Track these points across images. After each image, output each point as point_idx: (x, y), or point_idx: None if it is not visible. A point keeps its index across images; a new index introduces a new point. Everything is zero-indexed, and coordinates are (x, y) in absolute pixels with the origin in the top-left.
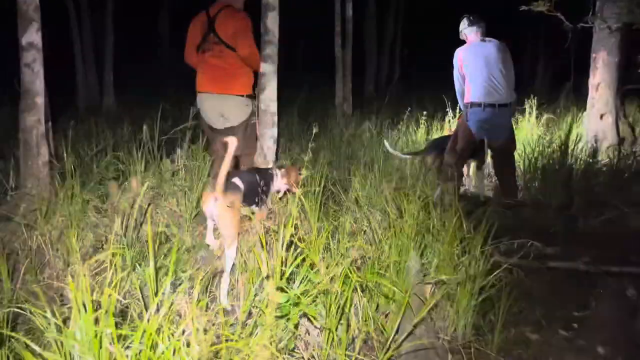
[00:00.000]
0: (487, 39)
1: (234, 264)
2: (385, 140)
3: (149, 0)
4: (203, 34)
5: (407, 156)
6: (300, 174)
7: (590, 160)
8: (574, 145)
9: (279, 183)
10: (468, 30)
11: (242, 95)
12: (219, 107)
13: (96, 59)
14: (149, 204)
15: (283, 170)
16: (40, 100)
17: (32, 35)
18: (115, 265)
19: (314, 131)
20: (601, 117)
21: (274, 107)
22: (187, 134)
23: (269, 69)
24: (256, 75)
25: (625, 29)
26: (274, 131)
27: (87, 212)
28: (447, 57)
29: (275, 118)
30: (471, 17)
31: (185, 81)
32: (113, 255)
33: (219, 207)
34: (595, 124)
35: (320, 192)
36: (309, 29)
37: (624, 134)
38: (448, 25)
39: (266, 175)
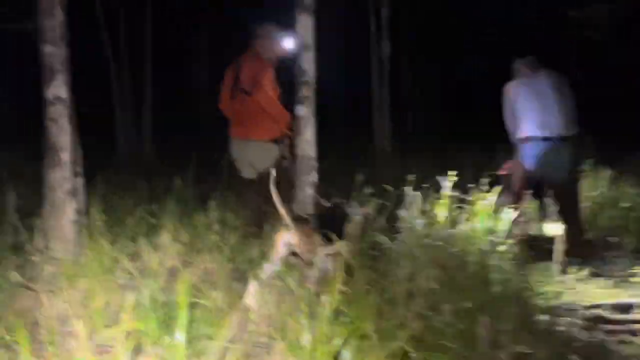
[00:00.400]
0: (538, 70)
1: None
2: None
3: (187, 47)
4: (233, 80)
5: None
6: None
7: None
8: None
9: None
10: (517, 63)
11: (265, 140)
12: (245, 154)
13: (135, 107)
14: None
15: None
16: (66, 156)
17: (58, 89)
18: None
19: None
20: None
21: (312, 151)
22: (221, 183)
23: (305, 112)
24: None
25: None
26: (313, 177)
27: (116, 274)
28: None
29: (314, 163)
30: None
31: (222, 128)
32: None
33: (293, 235)
34: None
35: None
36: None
37: None
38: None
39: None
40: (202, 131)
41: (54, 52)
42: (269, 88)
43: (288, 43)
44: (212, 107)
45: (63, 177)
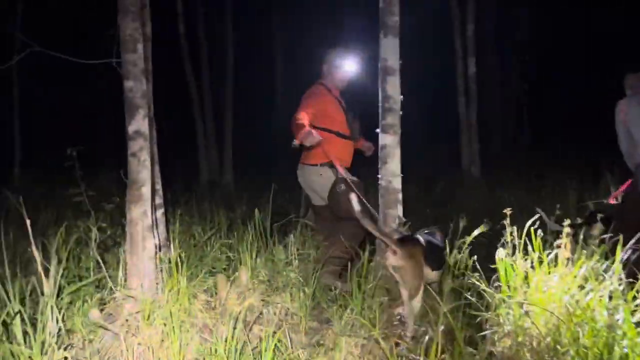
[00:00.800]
0: None
1: None
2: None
3: (266, 77)
4: None
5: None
6: None
7: None
8: None
9: None
10: (629, 79)
11: (316, 165)
12: (303, 179)
13: (217, 135)
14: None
15: None
16: (146, 190)
17: (139, 123)
18: None
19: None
20: None
21: (397, 183)
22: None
23: (390, 140)
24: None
25: None
26: (399, 211)
27: (193, 312)
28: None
29: (400, 196)
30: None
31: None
32: None
33: (400, 259)
34: None
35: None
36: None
37: None
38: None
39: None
40: (280, 160)
41: (135, 86)
42: (300, 109)
43: (350, 67)
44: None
45: (143, 212)
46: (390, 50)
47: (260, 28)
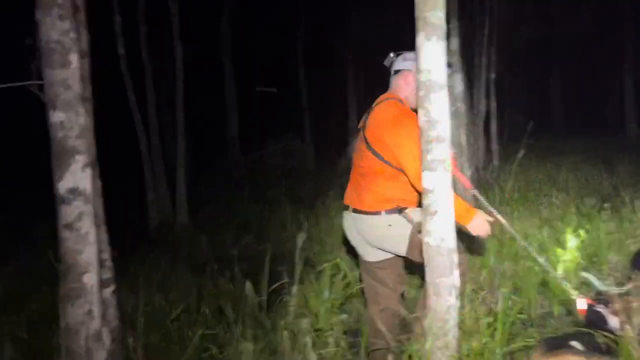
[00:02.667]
0: None
1: None
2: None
3: (218, 103)
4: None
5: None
6: None
7: None
8: None
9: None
10: None
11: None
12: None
13: (167, 170)
14: None
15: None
16: (91, 279)
17: (76, 177)
18: None
19: None
20: None
21: (452, 241)
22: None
23: (438, 181)
24: None
25: None
26: (455, 279)
27: None
28: None
29: (456, 257)
30: None
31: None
32: None
33: None
34: None
35: None
36: None
37: None
38: None
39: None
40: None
41: (68, 120)
42: (419, 159)
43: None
44: None
45: (87, 312)
46: (434, 57)
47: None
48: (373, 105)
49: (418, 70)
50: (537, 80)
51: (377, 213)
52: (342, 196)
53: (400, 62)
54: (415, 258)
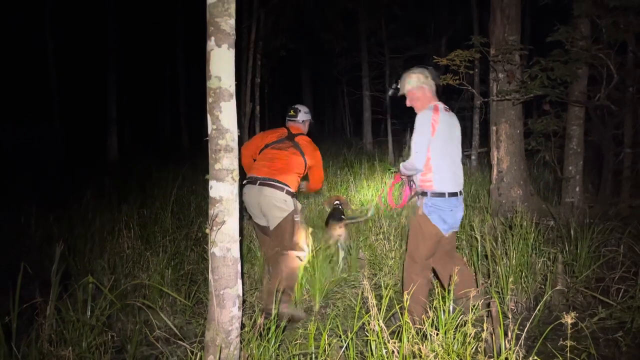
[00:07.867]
0: None
1: None
2: None
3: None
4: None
5: None
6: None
7: None
8: None
9: None
10: None
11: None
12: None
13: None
14: None
15: None
16: None
17: None
18: None
19: None
20: (510, 189)
21: (236, 250)
22: None
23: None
24: None
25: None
26: (239, 289)
27: None
28: None
29: (239, 267)
30: None
31: None
32: None
33: None
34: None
35: None
36: None
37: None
38: None
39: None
40: None
41: None
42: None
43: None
44: None
45: None
46: (225, 64)
47: None
48: (294, 132)
49: (208, 77)
50: None
51: (281, 189)
52: None
53: (305, 115)
54: (276, 236)
